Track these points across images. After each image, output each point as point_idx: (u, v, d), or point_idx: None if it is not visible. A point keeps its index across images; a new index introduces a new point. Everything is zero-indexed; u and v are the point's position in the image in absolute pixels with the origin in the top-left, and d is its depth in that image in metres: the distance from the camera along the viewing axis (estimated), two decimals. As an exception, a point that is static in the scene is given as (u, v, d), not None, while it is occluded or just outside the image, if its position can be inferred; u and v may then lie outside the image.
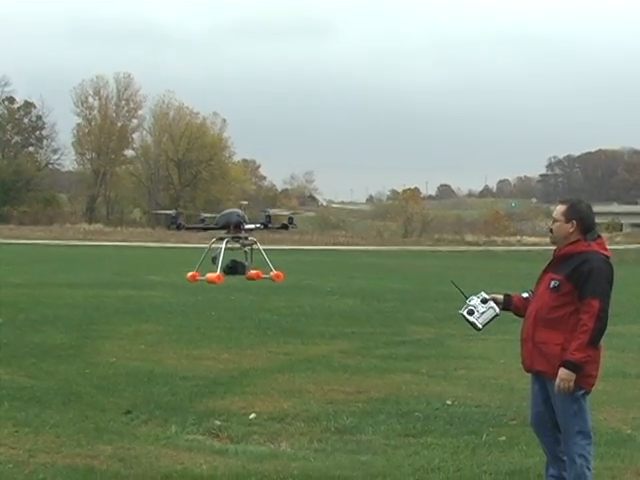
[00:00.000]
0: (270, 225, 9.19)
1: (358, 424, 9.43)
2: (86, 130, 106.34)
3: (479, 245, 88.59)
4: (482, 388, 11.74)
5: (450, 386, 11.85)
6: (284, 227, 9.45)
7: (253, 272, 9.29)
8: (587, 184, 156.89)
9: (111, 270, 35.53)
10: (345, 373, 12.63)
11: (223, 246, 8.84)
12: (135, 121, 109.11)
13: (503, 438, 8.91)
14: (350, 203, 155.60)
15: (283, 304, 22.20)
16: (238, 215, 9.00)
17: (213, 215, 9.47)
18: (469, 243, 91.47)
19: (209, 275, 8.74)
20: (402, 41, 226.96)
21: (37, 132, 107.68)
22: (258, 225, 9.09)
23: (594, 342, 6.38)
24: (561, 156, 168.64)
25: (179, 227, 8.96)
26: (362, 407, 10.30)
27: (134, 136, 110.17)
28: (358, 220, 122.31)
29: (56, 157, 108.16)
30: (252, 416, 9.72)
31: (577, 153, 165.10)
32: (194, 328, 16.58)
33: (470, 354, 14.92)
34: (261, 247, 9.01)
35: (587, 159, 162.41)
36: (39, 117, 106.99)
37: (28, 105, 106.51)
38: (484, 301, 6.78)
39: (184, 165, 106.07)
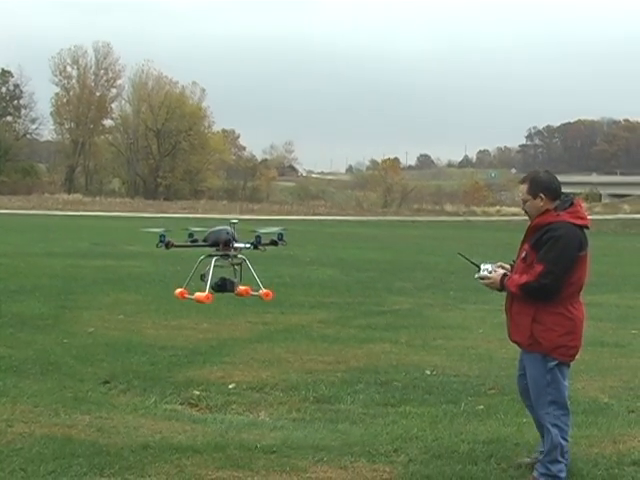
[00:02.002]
0: (259, 245, 9.23)
1: (337, 393, 9.43)
2: (65, 100, 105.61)
3: (459, 215, 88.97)
4: (461, 358, 11.76)
5: (429, 356, 11.87)
6: (273, 243, 9.46)
7: (242, 288, 9.33)
8: (566, 154, 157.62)
9: (90, 240, 35.41)
10: (324, 343, 12.63)
11: (212, 263, 8.84)
12: (114, 91, 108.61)
13: (481, 407, 8.93)
14: (330, 173, 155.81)
15: (262, 274, 22.05)
16: (227, 233, 9.00)
17: (202, 229, 9.45)
18: (449, 213, 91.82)
19: (197, 295, 8.77)
20: (384, 12, 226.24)
21: (15, 101, 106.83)
22: (247, 245, 9.12)
23: (525, 289, 6.37)
24: (541, 126, 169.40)
25: (167, 245, 8.92)
26: (341, 377, 10.30)
27: (113, 106, 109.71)
28: (338, 190, 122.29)
29: (34, 127, 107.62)
30: (231, 386, 9.71)
31: (557, 124, 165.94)
32: (173, 298, 16.44)
33: (449, 324, 14.96)
34: (250, 265, 9.06)
35: (566, 129, 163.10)
36: (17, 86, 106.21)
37: (5, 74, 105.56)
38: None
39: (163, 135, 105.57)
